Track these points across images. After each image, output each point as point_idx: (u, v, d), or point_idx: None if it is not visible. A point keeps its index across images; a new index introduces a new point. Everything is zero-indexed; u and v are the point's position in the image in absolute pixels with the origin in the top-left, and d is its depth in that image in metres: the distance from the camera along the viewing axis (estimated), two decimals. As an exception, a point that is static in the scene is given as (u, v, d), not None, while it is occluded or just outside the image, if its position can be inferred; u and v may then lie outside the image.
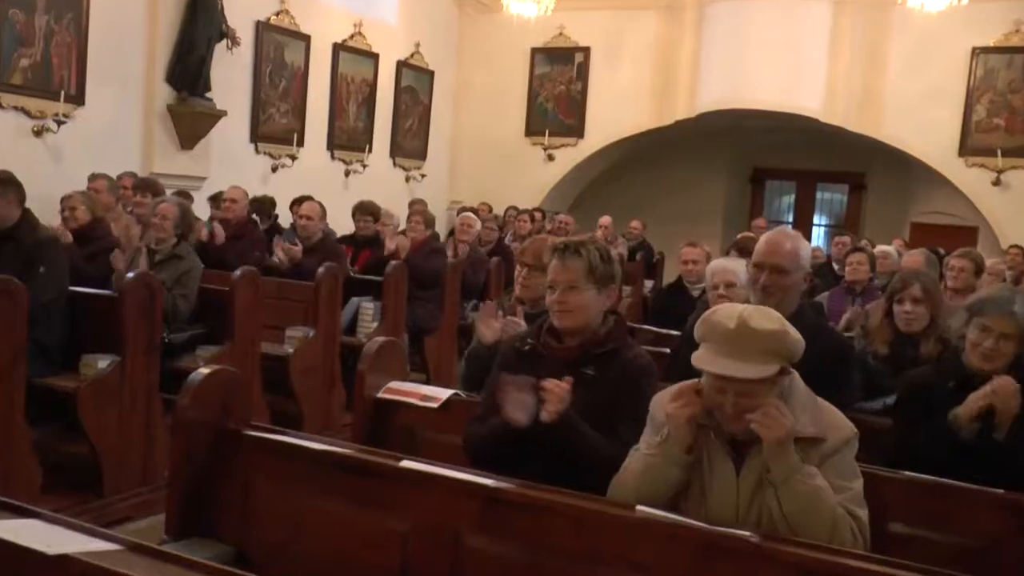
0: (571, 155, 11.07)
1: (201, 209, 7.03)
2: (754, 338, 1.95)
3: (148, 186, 6.38)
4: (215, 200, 7.24)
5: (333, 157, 9.76)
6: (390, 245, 6.52)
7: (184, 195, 6.36)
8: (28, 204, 4.34)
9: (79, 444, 4.01)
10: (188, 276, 4.89)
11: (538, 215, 9.81)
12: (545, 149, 11.14)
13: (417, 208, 7.59)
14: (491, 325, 2.91)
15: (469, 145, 11.47)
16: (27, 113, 6.58)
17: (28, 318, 3.63)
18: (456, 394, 2.87)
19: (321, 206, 6.46)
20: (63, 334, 4.24)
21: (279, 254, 6.08)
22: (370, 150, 10.11)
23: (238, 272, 4.81)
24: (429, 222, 6.85)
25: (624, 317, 2.56)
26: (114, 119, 7.27)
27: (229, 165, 8.26)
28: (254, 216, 6.87)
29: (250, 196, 6.85)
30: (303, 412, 5.13)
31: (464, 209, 9.07)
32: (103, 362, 4.06)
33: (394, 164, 10.67)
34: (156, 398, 4.24)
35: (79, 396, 3.94)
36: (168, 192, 6.30)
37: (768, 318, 1.99)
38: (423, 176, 11.02)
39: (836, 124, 9.94)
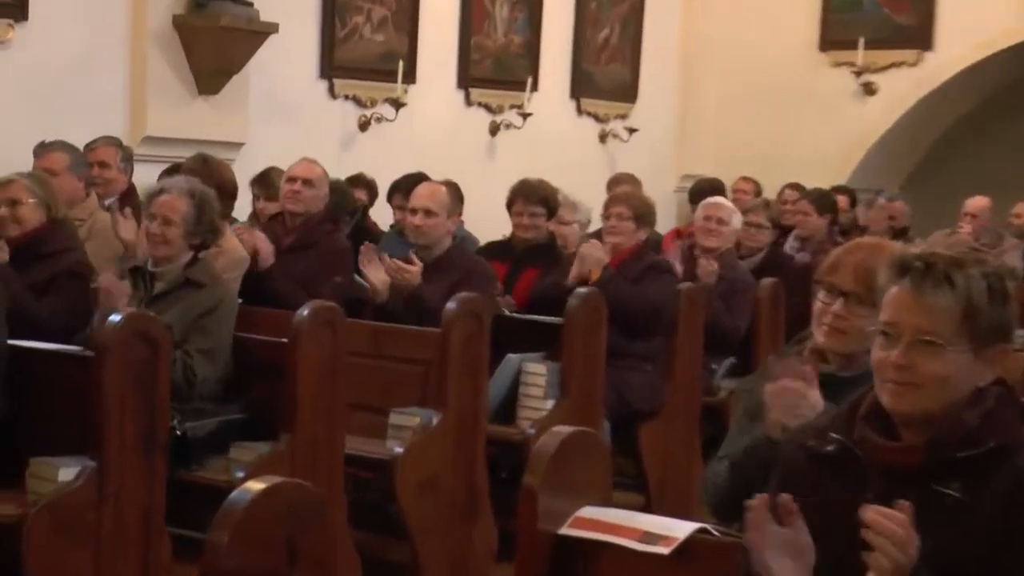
0: (908, 83, 10.99)
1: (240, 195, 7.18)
2: None
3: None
4: (262, 183, 7.42)
5: (468, 101, 9.99)
6: (580, 264, 6.51)
7: (203, 171, 6.51)
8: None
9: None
10: (212, 319, 5.00)
11: (843, 199, 9.69)
12: (858, 73, 11.09)
13: (622, 192, 7.58)
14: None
15: (713, 73, 11.54)
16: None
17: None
18: (703, 529, 2.94)
19: (451, 190, 6.52)
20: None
21: (374, 277, 6.15)
22: (535, 87, 10.26)
23: (303, 311, 4.88)
24: (643, 216, 6.87)
25: (1016, 390, 2.62)
26: (80, 46, 7.64)
27: (282, 120, 8.52)
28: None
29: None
30: (421, 561, 5.21)
31: (704, 190, 9.01)
32: (67, 470, 4.14)
33: (578, 111, 10.82)
34: (161, 535, 4.31)
35: (25, 529, 4.02)
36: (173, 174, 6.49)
37: None
38: (631, 132, 11.11)
39: None
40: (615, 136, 11.04)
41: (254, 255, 6.28)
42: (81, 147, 6.75)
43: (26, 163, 6.39)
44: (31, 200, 5.53)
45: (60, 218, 5.67)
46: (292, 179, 6.60)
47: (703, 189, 9.41)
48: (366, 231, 7.73)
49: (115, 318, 4.29)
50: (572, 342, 5.92)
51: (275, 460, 4.68)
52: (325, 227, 6.66)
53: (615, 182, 9.20)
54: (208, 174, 6.25)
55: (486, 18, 9.94)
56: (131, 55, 7.85)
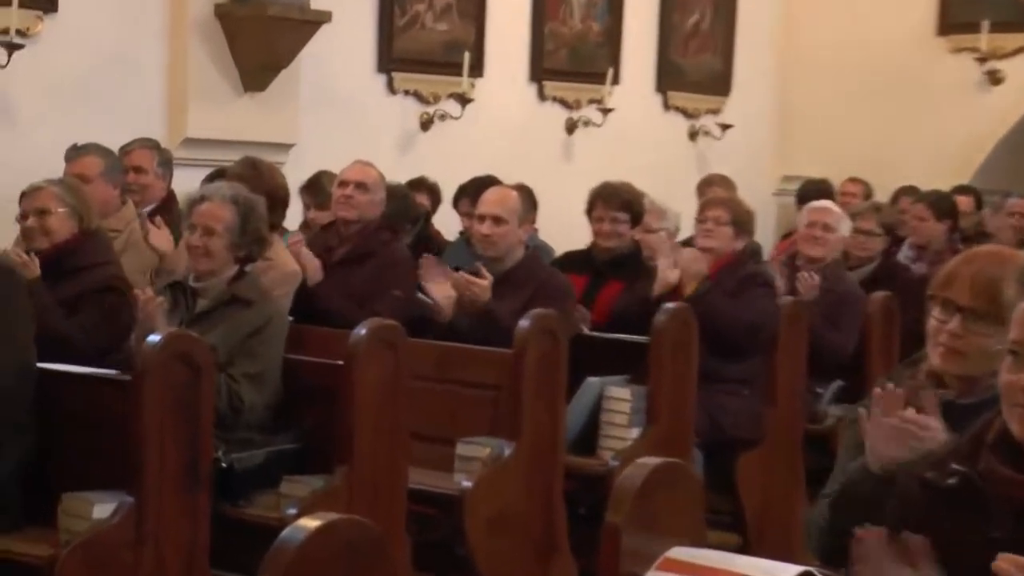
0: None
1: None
2: None
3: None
4: (313, 189, 7.49)
5: (542, 96, 10.01)
6: (667, 275, 6.53)
7: (251, 176, 6.56)
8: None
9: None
10: (260, 340, 5.05)
11: (966, 200, 9.62)
12: (981, 60, 10.97)
13: (715, 195, 7.59)
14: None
15: (816, 62, 11.46)
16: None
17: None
18: (807, 573, 2.92)
19: (522, 195, 6.54)
20: (20, 454, 4.40)
21: (438, 292, 6.18)
22: (616, 79, 10.25)
23: (360, 330, 4.92)
24: (742, 222, 6.89)
25: None
26: (115, 39, 7.71)
27: (336, 119, 8.57)
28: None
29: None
30: (492, 606, 5.25)
31: (811, 193, 8.95)
32: (102, 507, 4.19)
33: (665, 105, 10.80)
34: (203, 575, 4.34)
35: (57, 571, 4.05)
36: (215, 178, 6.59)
37: None
38: (724, 129, 11.09)
39: None
40: (706, 133, 11.00)
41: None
42: (116, 150, 6.81)
43: (56, 168, 6.47)
44: (61, 209, 5.60)
45: (93, 229, 5.73)
46: (344, 183, 6.64)
47: (809, 192, 9.37)
48: (429, 240, 7.75)
49: (154, 339, 4.33)
50: (660, 363, 5.93)
51: (330, 495, 4.71)
52: (382, 236, 6.67)
53: (706, 184, 9.18)
54: (257, 180, 6.28)
55: (562, 3, 9.94)
56: (170, 49, 7.92)
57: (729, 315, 6.41)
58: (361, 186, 6.60)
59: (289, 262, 6.19)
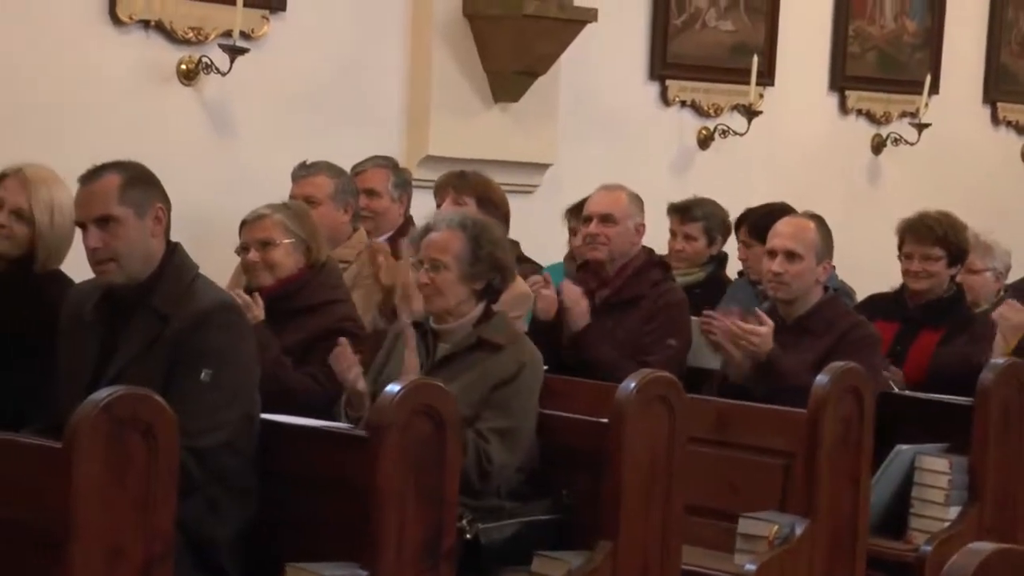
0: None
1: (546, 230, 7.30)
2: None
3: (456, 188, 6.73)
4: (579, 213, 7.51)
5: (844, 108, 9.98)
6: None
7: (491, 198, 6.66)
8: (177, 229, 4.76)
9: None
10: (512, 391, 5.09)
11: None
12: None
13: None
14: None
15: None
16: (170, 36, 7.32)
17: (180, 481, 3.88)
18: None
19: (820, 227, 6.50)
20: (242, 517, 4.51)
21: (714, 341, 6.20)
22: (935, 89, 10.15)
23: (629, 384, 4.90)
24: None
25: None
26: (348, 42, 7.85)
27: (601, 134, 8.63)
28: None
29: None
30: None
31: None
32: (330, 578, 4.25)
33: (995, 120, 10.72)
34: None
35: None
36: (461, 196, 6.65)
37: None
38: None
39: None
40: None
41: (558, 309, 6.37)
42: (348, 170, 6.93)
43: (282, 189, 6.64)
44: (287, 240, 5.73)
45: (320, 263, 5.84)
46: (587, 218, 6.65)
47: None
48: (719, 282, 7.77)
49: (393, 388, 4.34)
50: (986, 429, 5.85)
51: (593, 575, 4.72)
52: (652, 275, 6.68)
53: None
54: (466, 190, 6.39)
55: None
56: (410, 53, 8.04)
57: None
58: (607, 219, 6.59)
59: (519, 283, 6.18)
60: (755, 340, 5.96)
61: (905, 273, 6.73)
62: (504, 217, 6.59)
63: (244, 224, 5.89)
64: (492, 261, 5.26)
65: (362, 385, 5.13)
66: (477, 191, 6.50)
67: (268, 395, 4.85)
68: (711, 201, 7.86)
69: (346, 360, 5.25)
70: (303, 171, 6.73)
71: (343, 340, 5.31)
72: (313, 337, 5.64)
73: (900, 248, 6.77)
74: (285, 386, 5.33)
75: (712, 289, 7.48)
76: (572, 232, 7.47)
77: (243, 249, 5.86)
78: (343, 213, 6.62)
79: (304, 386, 5.46)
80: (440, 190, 6.69)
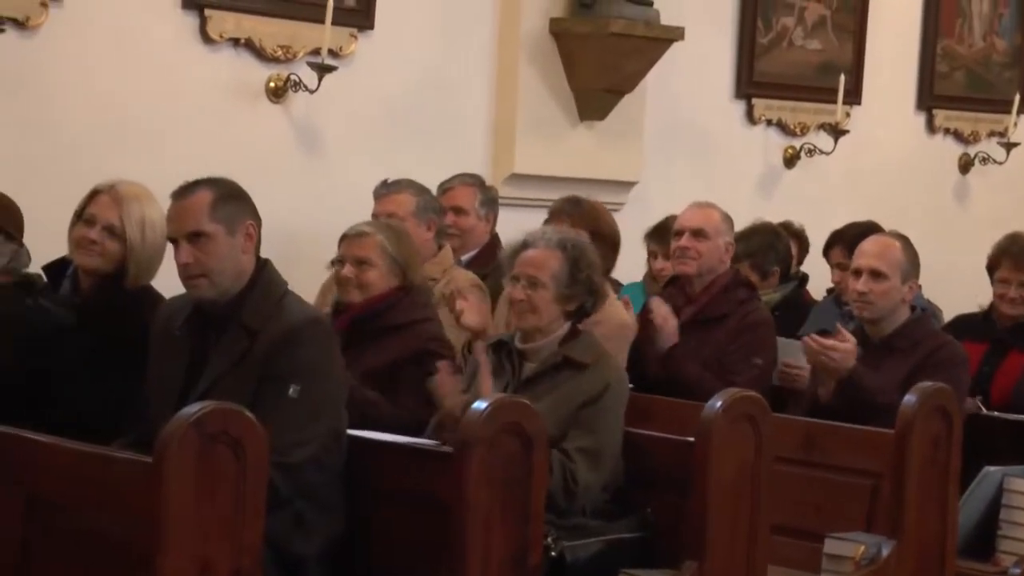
0: None
1: (631, 248, 7.32)
2: None
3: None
4: (660, 236, 7.55)
5: (932, 127, 9.95)
6: None
7: (577, 216, 6.64)
8: (263, 245, 4.78)
9: None
10: (598, 410, 5.07)
11: None
12: None
13: None
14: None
15: None
16: (260, 54, 7.38)
17: (267, 497, 3.88)
18: None
19: (906, 248, 6.46)
20: (329, 533, 4.52)
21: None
22: (1024, 110, 10.10)
23: (716, 403, 4.88)
24: None
25: None
26: (435, 60, 7.91)
27: (686, 153, 8.67)
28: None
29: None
30: None
31: None
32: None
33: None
34: None
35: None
36: (576, 226, 6.57)
37: None
38: None
39: None
40: None
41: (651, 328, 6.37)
42: (433, 188, 6.95)
43: (365, 205, 6.68)
44: (383, 263, 5.73)
45: (409, 284, 5.83)
46: (679, 232, 6.65)
47: None
48: (800, 302, 7.76)
49: (480, 406, 4.33)
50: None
51: (675, 597, 4.72)
52: (738, 294, 6.69)
53: None
54: (579, 219, 6.37)
55: (959, 16, 9.86)
56: (497, 71, 8.10)
57: None
58: (699, 233, 6.58)
59: (620, 313, 6.21)
60: (836, 356, 5.94)
61: (1000, 298, 6.68)
62: (614, 247, 6.57)
63: (344, 238, 5.90)
64: (588, 284, 5.24)
65: (460, 412, 5.03)
66: (589, 222, 6.47)
67: (360, 416, 4.92)
68: (752, 231, 7.74)
69: (447, 385, 5.30)
70: (384, 189, 6.74)
71: (443, 364, 5.34)
72: (401, 359, 5.64)
73: (992, 271, 6.72)
74: (376, 407, 5.36)
75: (792, 310, 7.44)
76: (652, 255, 7.48)
77: (339, 262, 5.87)
78: (426, 230, 6.60)
79: (398, 421, 5.35)
80: (555, 216, 6.66)
